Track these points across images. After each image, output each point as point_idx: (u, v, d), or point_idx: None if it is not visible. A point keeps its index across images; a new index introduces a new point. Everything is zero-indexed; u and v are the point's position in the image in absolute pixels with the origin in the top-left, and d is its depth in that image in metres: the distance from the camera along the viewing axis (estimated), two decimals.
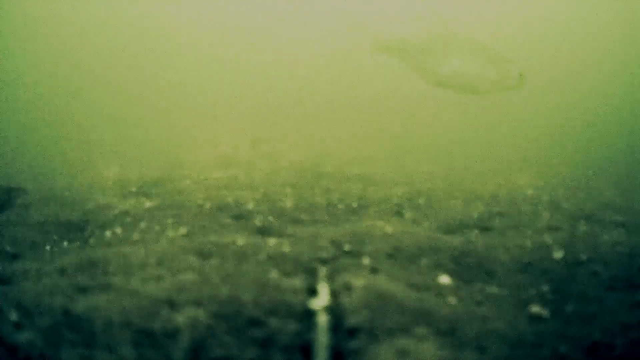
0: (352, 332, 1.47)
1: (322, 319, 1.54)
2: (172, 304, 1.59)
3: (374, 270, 2.13)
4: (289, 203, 3.75)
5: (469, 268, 2.31)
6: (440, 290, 2.00)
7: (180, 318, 1.50)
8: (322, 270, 2.04)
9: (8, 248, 2.98)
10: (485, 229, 3.11)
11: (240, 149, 8.66)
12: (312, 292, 1.80)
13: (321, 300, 1.67)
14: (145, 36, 24.95)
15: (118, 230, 3.11)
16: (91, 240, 3.01)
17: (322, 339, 1.44)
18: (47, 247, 2.99)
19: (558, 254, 2.40)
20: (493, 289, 2.08)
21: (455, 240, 2.69)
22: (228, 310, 1.56)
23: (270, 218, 3.29)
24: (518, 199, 4.16)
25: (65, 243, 3.05)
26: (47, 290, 1.72)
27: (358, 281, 1.84)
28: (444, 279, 2.14)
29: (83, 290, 1.73)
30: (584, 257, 2.35)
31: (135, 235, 2.93)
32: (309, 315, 1.59)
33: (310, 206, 3.71)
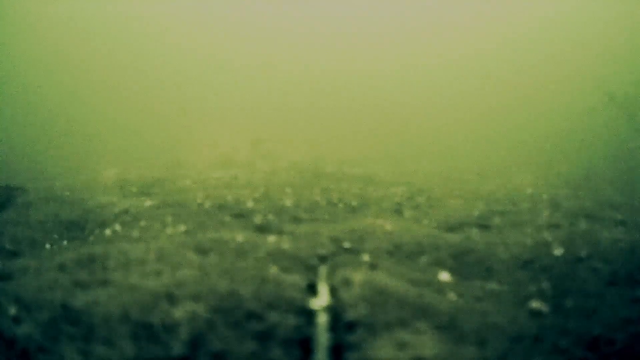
0: (351, 325, 1.46)
1: (322, 319, 1.54)
2: (171, 299, 1.59)
3: (373, 267, 2.13)
4: (288, 202, 3.75)
5: (469, 265, 2.31)
6: (440, 287, 1.99)
7: (179, 312, 1.50)
8: (323, 270, 2.04)
9: (8, 246, 2.98)
10: (485, 227, 3.10)
11: (240, 149, 8.66)
12: (312, 288, 1.80)
13: (321, 300, 1.67)
14: (146, 36, 24.97)
15: (118, 228, 3.11)
16: (91, 238, 3.01)
17: (322, 338, 1.43)
18: (47, 245, 2.99)
19: (558, 251, 2.40)
20: (493, 285, 2.07)
21: (455, 238, 2.69)
22: (227, 305, 1.56)
23: (270, 216, 3.29)
24: (518, 198, 4.15)
25: (65, 241, 3.05)
26: (47, 286, 1.72)
27: (357, 276, 1.83)
28: (444, 276, 2.14)
29: (82, 285, 1.73)
30: (584, 253, 2.34)
31: (135, 233, 2.92)
32: (308, 311, 1.59)
33: (310, 205, 3.70)
